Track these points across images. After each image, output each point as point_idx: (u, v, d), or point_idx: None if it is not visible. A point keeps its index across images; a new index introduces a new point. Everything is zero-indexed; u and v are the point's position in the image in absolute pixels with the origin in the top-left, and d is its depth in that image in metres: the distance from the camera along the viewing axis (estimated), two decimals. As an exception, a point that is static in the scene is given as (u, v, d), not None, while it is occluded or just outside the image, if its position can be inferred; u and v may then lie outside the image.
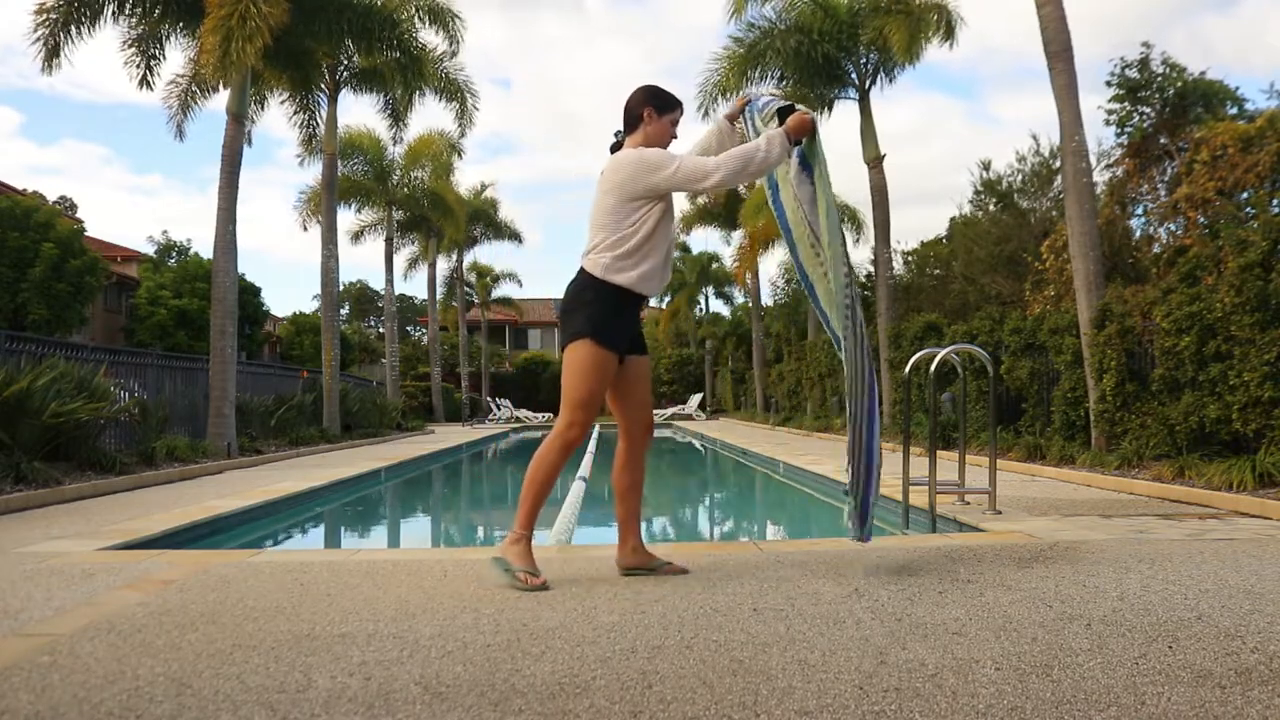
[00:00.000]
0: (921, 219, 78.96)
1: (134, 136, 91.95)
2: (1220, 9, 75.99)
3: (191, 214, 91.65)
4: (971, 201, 22.51)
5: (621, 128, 3.52)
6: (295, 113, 15.78)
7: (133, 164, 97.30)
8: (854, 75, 16.09)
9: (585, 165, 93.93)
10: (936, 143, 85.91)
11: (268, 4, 10.55)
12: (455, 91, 16.55)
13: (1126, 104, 15.89)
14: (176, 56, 28.12)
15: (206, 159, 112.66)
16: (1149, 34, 34.50)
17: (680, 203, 32.27)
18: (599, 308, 3.28)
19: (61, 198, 42.58)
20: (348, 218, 25.25)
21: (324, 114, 16.13)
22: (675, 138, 3.54)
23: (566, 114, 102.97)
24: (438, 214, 24.29)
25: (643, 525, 3.63)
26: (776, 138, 3.33)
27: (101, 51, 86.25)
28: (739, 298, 36.81)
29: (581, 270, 3.37)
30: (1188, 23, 75.56)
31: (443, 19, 15.25)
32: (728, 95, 16.38)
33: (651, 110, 3.45)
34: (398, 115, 17.19)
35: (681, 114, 3.56)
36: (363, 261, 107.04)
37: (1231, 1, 75.93)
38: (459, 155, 26.91)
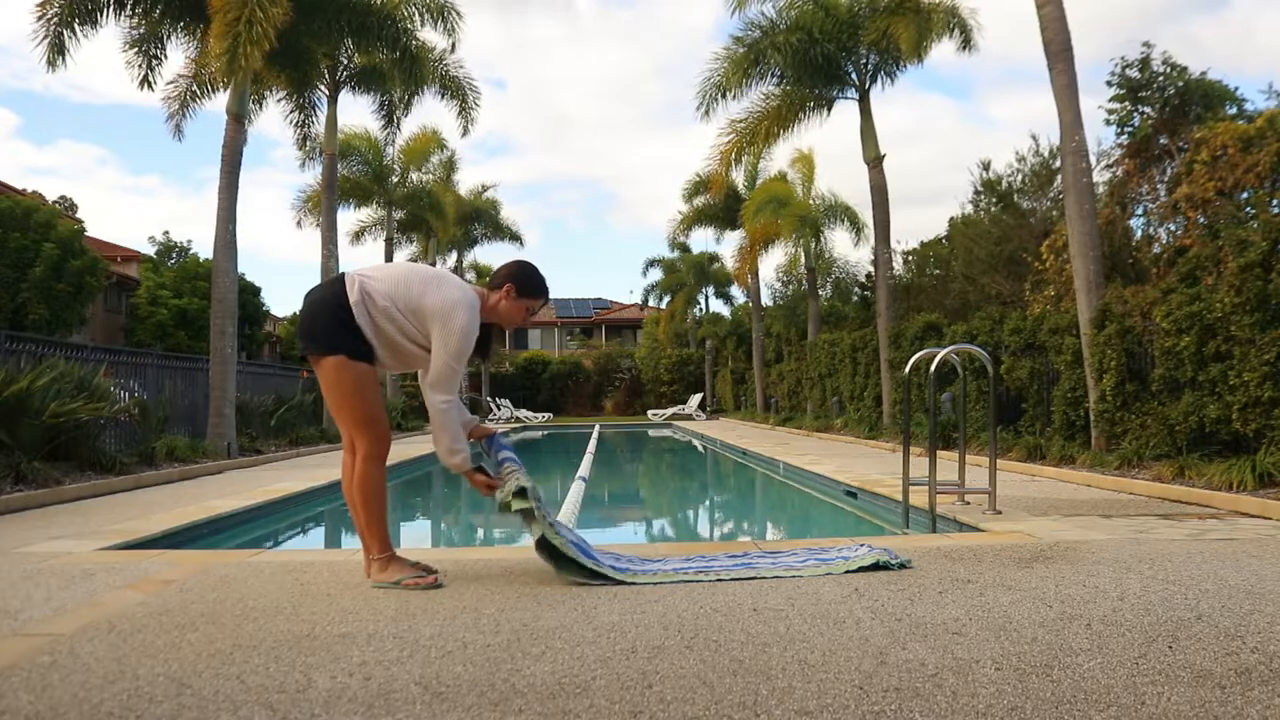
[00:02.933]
0: (921, 219, 78.88)
1: (130, 137, 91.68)
2: (1207, 11, 76.18)
3: (188, 215, 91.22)
4: (971, 201, 22.49)
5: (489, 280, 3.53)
6: (294, 112, 15.78)
7: (129, 165, 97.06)
8: (854, 75, 16.09)
9: (582, 166, 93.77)
10: (934, 143, 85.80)
11: (272, 3, 10.55)
12: (456, 90, 16.52)
13: (1127, 104, 15.86)
14: (177, 56, 28.09)
15: (203, 160, 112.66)
16: (1140, 36, 34.50)
17: (678, 204, 32.22)
18: (358, 333, 3.26)
19: (61, 198, 42.50)
20: (348, 217, 25.30)
21: (324, 114, 16.14)
22: (526, 324, 3.57)
23: (562, 115, 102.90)
24: (432, 215, 24.33)
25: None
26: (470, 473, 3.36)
27: (98, 52, 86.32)
28: (739, 298, 36.77)
29: (343, 286, 3.28)
30: (1178, 24, 75.67)
31: (442, 15, 15.22)
32: (728, 95, 16.37)
33: (513, 289, 3.43)
34: (395, 116, 17.19)
35: (542, 305, 3.55)
36: (363, 261, 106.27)
37: (1220, 4, 76.10)
38: (455, 159, 27.05)
